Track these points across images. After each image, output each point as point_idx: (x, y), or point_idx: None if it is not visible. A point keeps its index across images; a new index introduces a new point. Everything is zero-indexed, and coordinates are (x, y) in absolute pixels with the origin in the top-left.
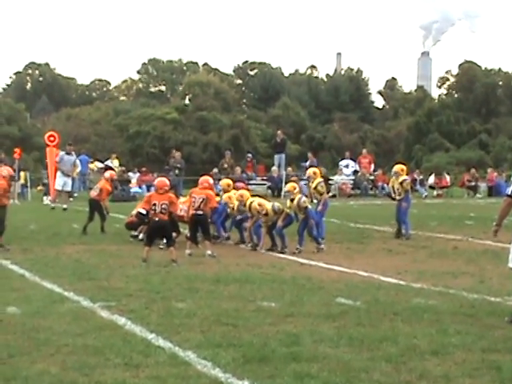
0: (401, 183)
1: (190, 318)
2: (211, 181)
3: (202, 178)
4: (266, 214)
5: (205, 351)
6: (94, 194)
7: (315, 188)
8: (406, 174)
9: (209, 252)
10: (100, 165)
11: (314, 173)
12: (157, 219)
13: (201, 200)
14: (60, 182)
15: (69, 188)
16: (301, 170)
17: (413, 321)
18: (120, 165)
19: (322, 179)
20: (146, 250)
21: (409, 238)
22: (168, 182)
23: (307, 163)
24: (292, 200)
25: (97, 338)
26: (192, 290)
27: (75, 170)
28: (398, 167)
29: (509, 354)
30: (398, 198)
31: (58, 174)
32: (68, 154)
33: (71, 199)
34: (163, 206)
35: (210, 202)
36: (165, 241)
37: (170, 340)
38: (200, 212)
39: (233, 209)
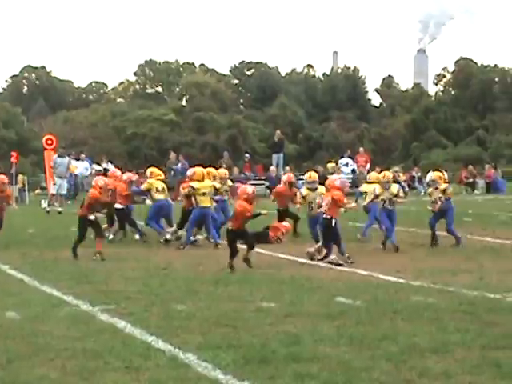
0: (443, 191)
1: (190, 320)
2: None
3: (240, 190)
4: None
5: (205, 353)
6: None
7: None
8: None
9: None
10: (97, 167)
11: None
12: None
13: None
14: (55, 186)
15: (64, 191)
16: (299, 169)
17: (413, 319)
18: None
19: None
20: None
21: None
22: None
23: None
24: None
25: (96, 342)
26: (191, 291)
27: (73, 171)
28: (436, 175)
29: (509, 350)
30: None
31: (54, 177)
32: (61, 156)
33: (69, 202)
34: None
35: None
36: None
37: (170, 342)
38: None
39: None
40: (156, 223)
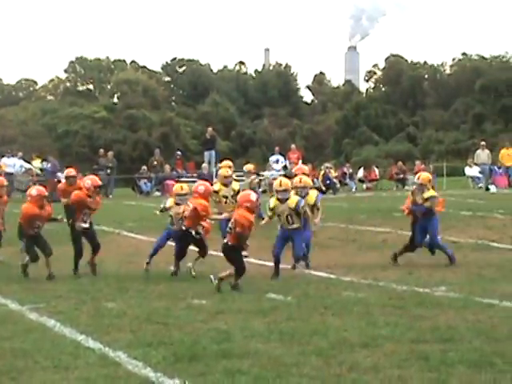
0: (426, 199)
1: (120, 318)
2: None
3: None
4: None
5: (135, 351)
6: None
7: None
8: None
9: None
10: (26, 165)
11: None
12: None
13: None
14: None
15: None
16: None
17: (343, 314)
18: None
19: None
20: None
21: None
22: None
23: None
24: None
25: (25, 341)
26: (122, 289)
27: (3, 169)
28: (424, 177)
29: (436, 343)
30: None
31: None
32: None
33: None
34: None
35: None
36: None
37: (100, 341)
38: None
39: None
40: None
